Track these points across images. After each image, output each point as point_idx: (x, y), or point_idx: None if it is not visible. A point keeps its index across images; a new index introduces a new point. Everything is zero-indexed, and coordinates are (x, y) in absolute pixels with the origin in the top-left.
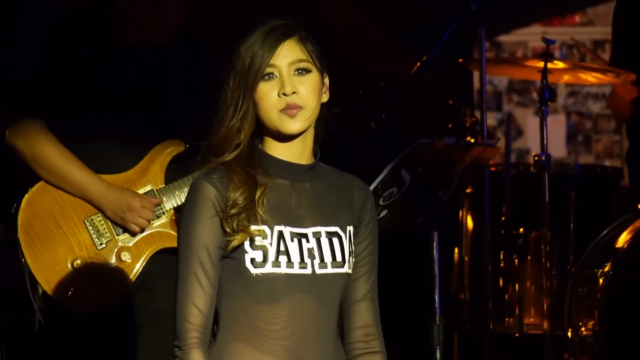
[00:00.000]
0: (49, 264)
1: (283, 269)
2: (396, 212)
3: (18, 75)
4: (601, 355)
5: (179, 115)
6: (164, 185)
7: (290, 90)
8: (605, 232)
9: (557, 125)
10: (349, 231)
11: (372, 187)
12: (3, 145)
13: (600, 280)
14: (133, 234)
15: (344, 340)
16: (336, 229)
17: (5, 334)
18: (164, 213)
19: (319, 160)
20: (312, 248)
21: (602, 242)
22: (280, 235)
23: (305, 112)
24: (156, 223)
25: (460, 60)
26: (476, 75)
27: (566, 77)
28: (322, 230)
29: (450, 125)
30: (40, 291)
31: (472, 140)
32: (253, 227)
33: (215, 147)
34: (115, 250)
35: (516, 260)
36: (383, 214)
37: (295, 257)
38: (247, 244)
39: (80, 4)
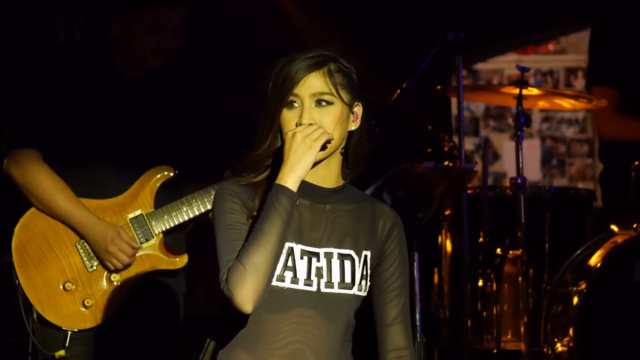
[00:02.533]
0: (42, 285)
1: (287, 284)
2: None
3: (14, 106)
4: None
5: (170, 140)
6: (153, 210)
7: (307, 121)
8: (579, 251)
9: (532, 150)
10: (365, 256)
11: None
12: (1, 172)
13: (575, 298)
14: (108, 270)
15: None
16: (350, 252)
17: (1, 354)
18: (152, 236)
19: (349, 184)
20: (322, 267)
21: (576, 261)
22: (290, 251)
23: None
24: (145, 245)
25: (439, 87)
26: (454, 101)
27: (541, 103)
28: (335, 251)
29: (429, 150)
30: (35, 313)
31: (451, 165)
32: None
33: (248, 165)
34: (106, 272)
35: (494, 280)
36: None
37: (301, 274)
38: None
39: (73, 35)
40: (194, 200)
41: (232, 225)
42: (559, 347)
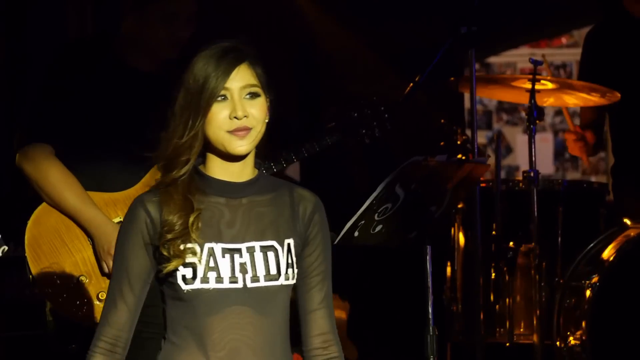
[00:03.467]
0: (55, 280)
1: (212, 285)
2: (391, 227)
3: (26, 102)
4: None
5: None
6: None
7: (242, 114)
8: (591, 245)
9: (545, 143)
10: (288, 244)
11: (367, 203)
12: (14, 166)
13: (588, 292)
14: (102, 272)
15: (302, 348)
16: (272, 242)
17: (15, 348)
18: None
19: (263, 174)
20: (245, 263)
21: (589, 255)
22: (211, 252)
23: (253, 133)
24: None
25: (452, 78)
26: (467, 95)
27: (551, 100)
28: (257, 244)
29: (442, 144)
30: (48, 306)
31: (463, 158)
32: (184, 246)
33: (165, 164)
34: None
35: (506, 273)
36: (378, 228)
37: (225, 273)
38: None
39: (85, 32)
40: None
41: (122, 262)
42: (572, 340)
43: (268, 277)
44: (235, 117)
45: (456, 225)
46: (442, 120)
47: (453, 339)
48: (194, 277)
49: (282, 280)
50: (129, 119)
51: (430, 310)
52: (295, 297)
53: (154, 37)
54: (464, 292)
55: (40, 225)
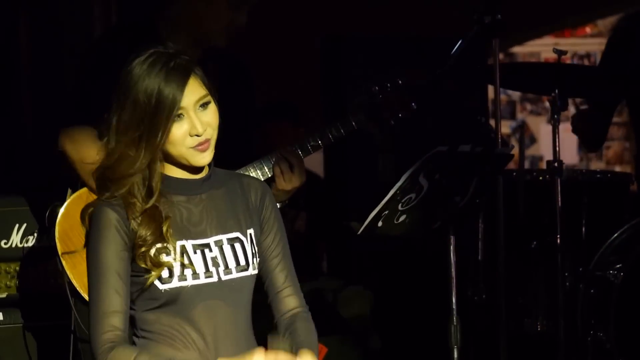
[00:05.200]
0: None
1: (190, 282)
2: (415, 217)
3: (70, 84)
4: (614, 355)
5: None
6: None
7: (202, 129)
8: (616, 234)
9: (569, 133)
10: (250, 234)
11: (391, 193)
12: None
13: (612, 282)
14: None
15: (277, 327)
16: (237, 234)
17: (40, 337)
18: None
19: (215, 168)
20: (216, 256)
21: (613, 245)
22: (183, 249)
23: (212, 142)
24: None
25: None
26: (491, 85)
27: None
28: (224, 237)
29: (465, 134)
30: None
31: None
32: (157, 245)
33: (110, 176)
34: None
35: (530, 263)
36: (402, 219)
37: (200, 268)
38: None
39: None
40: None
41: (106, 270)
42: (597, 330)
43: (239, 268)
44: (195, 135)
45: (480, 215)
46: (466, 110)
47: (477, 329)
48: (171, 275)
49: (251, 270)
50: None
51: (453, 301)
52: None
53: (213, 24)
54: (488, 283)
55: (70, 218)
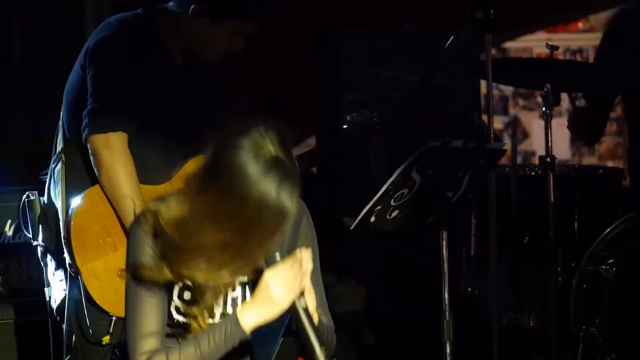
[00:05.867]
0: (99, 270)
1: (204, 320)
2: (407, 213)
3: (96, 85)
4: (606, 350)
5: (200, 129)
6: None
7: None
8: (608, 230)
9: (561, 128)
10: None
11: (384, 189)
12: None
13: (605, 277)
14: None
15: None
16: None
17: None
18: None
19: None
20: (237, 297)
21: (605, 240)
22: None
23: None
24: None
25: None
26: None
27: None
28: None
29: (457, 129)
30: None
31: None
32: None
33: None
34: None
35: (523, 258)
36: (394, 214)
37: (218, 309)
38: (175, 291)
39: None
40: None
41: (148, 294)
42: (589, 325)
43: None
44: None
45: (472, 210)
46: (458, 106)
47: (469, 324)
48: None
49: None
50: (168, 110)
51: (446, 296)
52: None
53: (212, 46)
54: (480, 278)
55: (87, 215)
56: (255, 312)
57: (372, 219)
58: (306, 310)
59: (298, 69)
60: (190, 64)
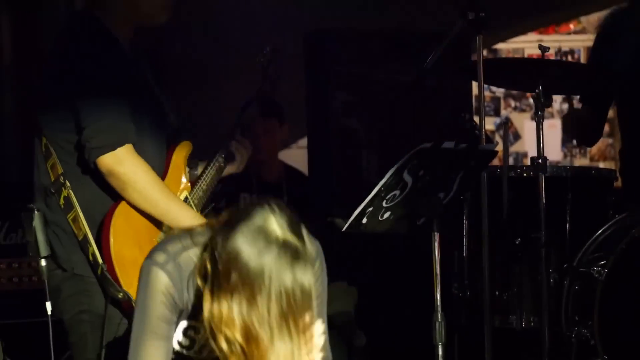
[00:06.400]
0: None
1: (200, 354)
2: (399, 214)
3: (77, 97)
4: (598, 351)
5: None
6: (191, 189)
7: None
8: (600, 231)
9: (553, 129)
10: None
11: (375, 190)
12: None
13: (596, 278)
14: None
15: None
16: None
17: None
18: None
19: None
20: None
21: (597, 241)
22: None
23: None
24: None
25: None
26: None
27: None
28: None
29: (449, 130)
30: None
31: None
32: (187, 322)
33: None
34: None
35: (514, 259)
36: (386, 215)
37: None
38: (180, 328)
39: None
40: (210, 172)
41: (155, 335)
42: (580, 325)
43: None
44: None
45: (464, 211)
46: (450, 107)
47: (461, 325)
48: (190, 347)
49: None
50: (145, 103)
51: (438, 297)
52: None
53: (153, 5)
54: (472, 279)
55: (120, 236)
56: None
57: (364, 220)
58: None
59: (287, 69)
60: (134, 50)
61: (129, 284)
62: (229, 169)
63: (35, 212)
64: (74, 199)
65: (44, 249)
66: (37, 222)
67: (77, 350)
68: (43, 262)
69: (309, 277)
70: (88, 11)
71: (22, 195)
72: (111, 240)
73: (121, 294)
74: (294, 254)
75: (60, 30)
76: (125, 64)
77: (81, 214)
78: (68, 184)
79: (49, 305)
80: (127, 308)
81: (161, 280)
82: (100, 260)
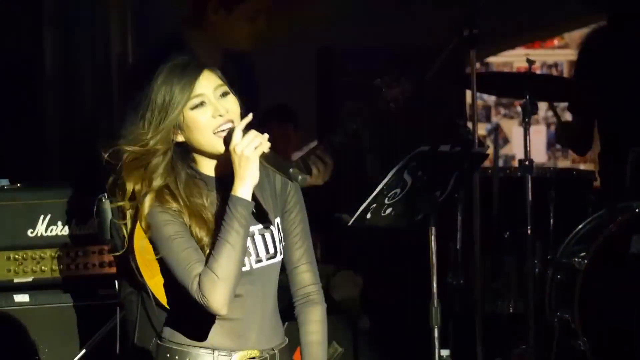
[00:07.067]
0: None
1: None
2: (399, 210)
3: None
4: (578, 334)
5: None
6: None
7: (224, 110)
8: (580, 226)
9: (538, 135)
10: (277, 222)
11: (378, 189)
12: None
13: (577, 268)
14: None
15: (292, 300)
16: (266, 224)
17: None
18: None
19: None
20: (248, 247)
21: (578, 235)
22: None
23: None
24: None
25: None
26: (468, 91)
27: None
28: (255, 229)
29: (446, 135)
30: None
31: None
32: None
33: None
34: None
35: (503, 251)
36: (388, 211)
37: None
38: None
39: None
40: None
41: (174, 236)
42: (562, 312)
43: (268, 256)
44: (219, 115)
45: (458, 208)
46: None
47: (455, 311)
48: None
49: (278, 257)
50: None
51: (434, 285)
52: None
53: (240, 34)
54: (465, 269)
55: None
56: (238, 180)
57: (368, 215)
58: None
59: (301, 81)
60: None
61: (149, 277)
62: (310, 181)
63: (103, 199)
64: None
65: (108, 233)
66: (104, 208)
67: (129, 325)
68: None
69: (191, 78)
70: (176, 37)
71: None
72: (135, 237)
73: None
74: (185, 64)
75: (150, 52)
76: None
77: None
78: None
79: (117, 285)
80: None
81: (158, 208)
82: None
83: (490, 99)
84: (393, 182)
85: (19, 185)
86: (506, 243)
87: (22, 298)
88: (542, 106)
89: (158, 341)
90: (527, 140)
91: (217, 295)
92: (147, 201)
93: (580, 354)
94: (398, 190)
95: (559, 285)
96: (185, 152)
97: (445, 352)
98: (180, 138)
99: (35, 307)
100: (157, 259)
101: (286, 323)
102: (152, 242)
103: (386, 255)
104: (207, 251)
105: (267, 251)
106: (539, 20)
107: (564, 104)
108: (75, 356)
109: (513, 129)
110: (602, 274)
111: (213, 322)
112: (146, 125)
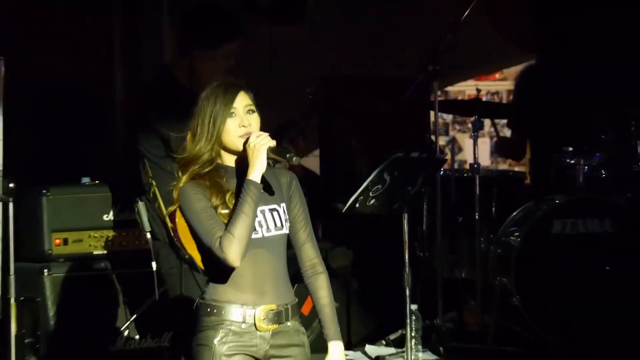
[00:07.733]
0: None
1: None
2: (381, 201)
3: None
4: (513, 294)
5: None
6: None
7: (247, 123)
8: (515, 213)
9: (484, 145)
10: (282, 206)
11: (364, 185)
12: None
13: (512, 245)
14: None
15: (300, 272)
16: (274, 205)
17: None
18: None
19: None
20: (261, 220)
21: (513, 219)
22: None
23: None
24: None
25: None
26: (432, 111)
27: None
28: (265, 208)
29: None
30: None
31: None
32: (223, 212)
33: (191, 160)
34: None
35: (458, 232)
36: (372, 202)
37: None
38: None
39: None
40: None
41: (203, 210)
42: (502, 278)
43: (276, 228)
44: (242, 126)
45: (425, 199)
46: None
47: (422, 276)
48: None
49: (284, 230)
50: None
51: (406, 257)
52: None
53: (217, 72)
54: (430, 245)
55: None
56: (251, 167)
57: (357, 205)
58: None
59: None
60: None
61: (192, 249)
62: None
63: (139, 202)
64: (158, 193)
65: (147, 226)
66: (141, 208)
67: (171, 291)
68: (148, 235)
69: (231, 95)
70: (165, 71)
71: (127, 188)
72: (177, 220)
73: (187, 255)
74: (227, 85)
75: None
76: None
77: (162, 203)
78: (154, 183)
79: (154, 265)
80: (192, 265)
81: (191, 186)
82: (172, 233)
83: (449, 117)
84: (376, 180)
85: (97, 182)
86: (460, 225)
87: (99, 265)
88: (487, 123)
89: (200, 300)
90: (475, 149)
91: (232, 250)
92: (184, 179)
93: (514, 308)
94: (380, 186)
95: (499, 257)
96: None
97: (414, 306)
98: None
99: (109, 273)
100: (192, 236)
101: (295, 285)
102: (181, 211)
103: (371, 234)
104: (226, 221)
105: (275, 224)
106: (484, 60)
107: (504, 121)
108: (136, 308)
109: (465, 141)
110: (531, 249)
111: (240, 284)
112: (197, 135)
